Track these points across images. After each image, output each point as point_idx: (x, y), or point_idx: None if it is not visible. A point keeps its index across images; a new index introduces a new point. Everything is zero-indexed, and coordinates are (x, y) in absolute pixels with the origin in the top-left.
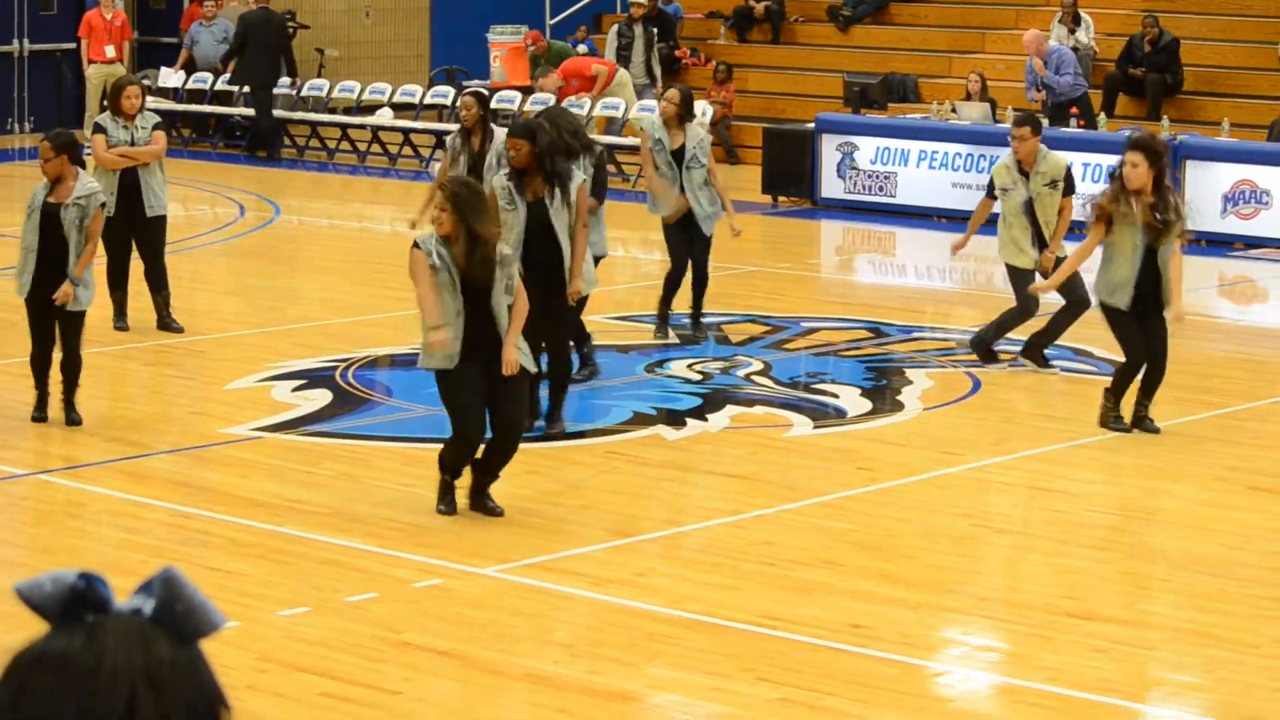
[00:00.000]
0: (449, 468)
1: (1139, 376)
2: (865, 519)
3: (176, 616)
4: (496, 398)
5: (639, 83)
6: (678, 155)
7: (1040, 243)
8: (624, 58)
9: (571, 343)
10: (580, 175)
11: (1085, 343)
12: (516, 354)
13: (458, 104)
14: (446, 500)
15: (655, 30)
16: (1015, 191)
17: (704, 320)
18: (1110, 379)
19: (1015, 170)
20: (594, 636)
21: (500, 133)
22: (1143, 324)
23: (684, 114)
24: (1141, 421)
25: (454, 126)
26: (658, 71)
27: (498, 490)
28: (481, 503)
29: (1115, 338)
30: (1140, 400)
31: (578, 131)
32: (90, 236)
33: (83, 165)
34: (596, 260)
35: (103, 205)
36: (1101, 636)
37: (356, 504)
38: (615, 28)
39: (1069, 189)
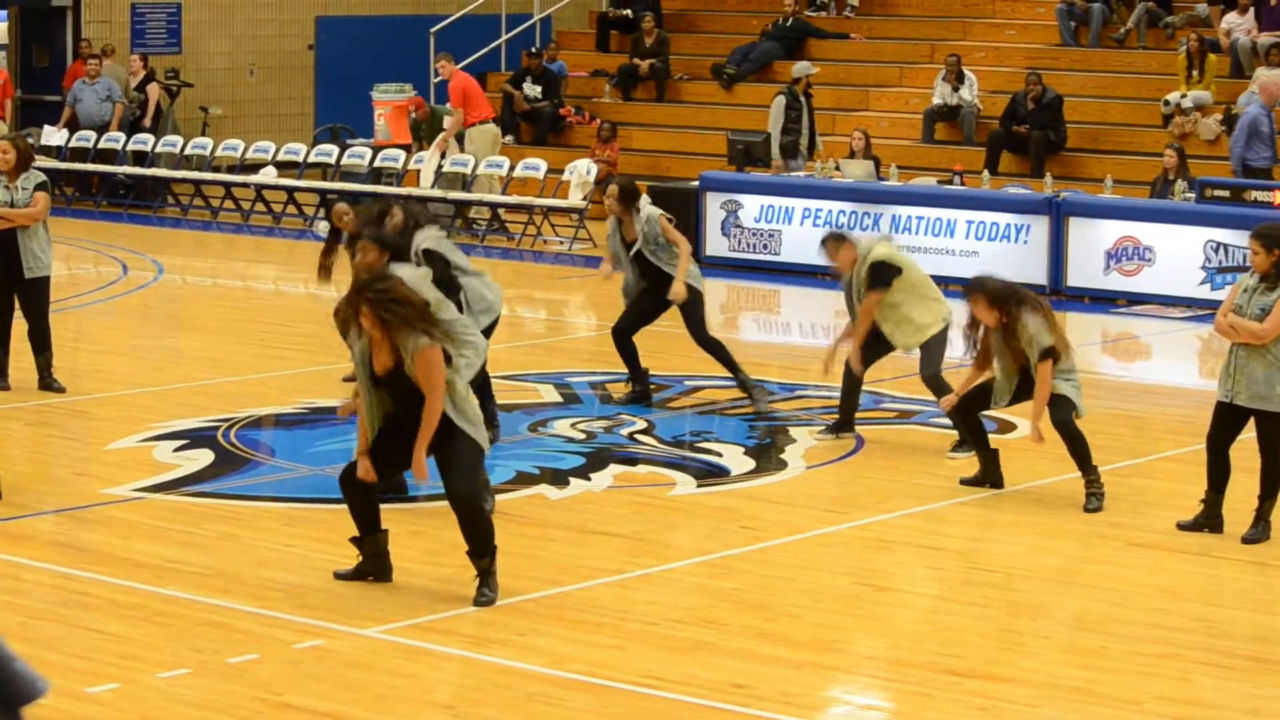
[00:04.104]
0: None
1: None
2: (748, 578)
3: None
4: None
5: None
6: (630, 244)
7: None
8: (793, 130)
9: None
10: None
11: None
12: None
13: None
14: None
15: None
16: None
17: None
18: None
19: None
20: (475, 697)
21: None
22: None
23: (626, 205)
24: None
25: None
26: (820, 142)
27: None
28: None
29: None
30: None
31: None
32: None
33: None
34: None
35: None
36: (983, 694)
37: (238, 565)
38: (782, 99)
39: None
